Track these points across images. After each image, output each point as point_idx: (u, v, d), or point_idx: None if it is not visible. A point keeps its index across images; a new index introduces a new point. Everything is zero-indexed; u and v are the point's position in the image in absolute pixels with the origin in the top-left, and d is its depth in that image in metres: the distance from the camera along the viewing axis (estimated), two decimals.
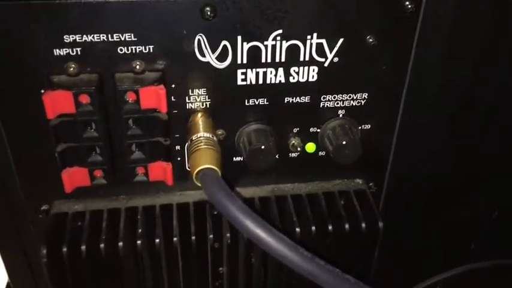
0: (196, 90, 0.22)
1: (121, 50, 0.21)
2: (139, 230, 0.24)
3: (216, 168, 0.20)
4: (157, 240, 0.24)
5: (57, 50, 0.21)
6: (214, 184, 0.20)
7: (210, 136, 0.22)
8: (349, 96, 0.24)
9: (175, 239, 0.24)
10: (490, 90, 0.25)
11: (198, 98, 0.23)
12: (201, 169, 0.21)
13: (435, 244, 0.31)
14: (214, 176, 0.20)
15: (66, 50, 0.21)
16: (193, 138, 0.22)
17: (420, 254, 0.31)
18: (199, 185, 0.21)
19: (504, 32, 0.23)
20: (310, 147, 0.25)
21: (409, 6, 0.21)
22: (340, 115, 0.24)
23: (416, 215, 0.29)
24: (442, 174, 0.28)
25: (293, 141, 0.24)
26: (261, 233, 0.19)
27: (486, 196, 0.30)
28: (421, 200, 0.28)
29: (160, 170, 0.23)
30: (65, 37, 0.20)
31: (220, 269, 0.27)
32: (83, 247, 0.23)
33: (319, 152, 0.25)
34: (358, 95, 0.24)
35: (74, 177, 0.23)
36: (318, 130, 0.25)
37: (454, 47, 0.23)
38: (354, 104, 0.24)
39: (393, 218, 0.27)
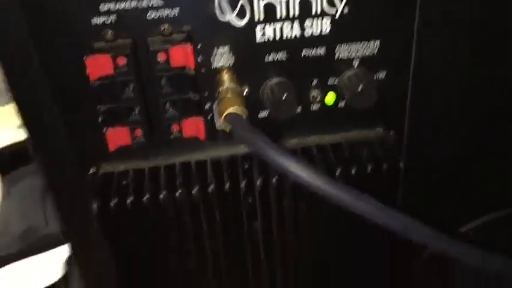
0: (221, 49, 0.25)
1: (150, 15, 0.24)
2: (178, 182, 0.26)
3: (242, 109, 0.23)
4: (194, 190, 0.26)
5: (95, 18, 0.23)
6: (240, 123, 0.22)
7: (236, 86, 0.24)
8: (362, 46, 0.26)
9: (211, 187, 0.26)
10: None
11: (222, 57, 0.25)
12: (229, 112, 0.23)
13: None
14: (240, 116, 0.22)
15: (102, 19, 0.23)
16: (220, 90, 0.24)
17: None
18: (228, 128, 0.23)
19: None
20: (330, 98, 0.27)
21: None
22: (355, 65, 0.26)
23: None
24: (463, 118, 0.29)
25: (313, 93, 0.26)
26: (288, 161, 0.21)
27: None
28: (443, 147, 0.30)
29: (193, 126, 0.26)
30: (100, 6, 0.23)
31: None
32: (129, 200, 0.26)
33: (339, 103, 0.27)
34: (371, 44, 0.26)
35: (116, 136, 0.26)
36: (336, 81, 0.26)
37: None
38: (367, 53, 0.26)
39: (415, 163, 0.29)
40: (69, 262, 0.53)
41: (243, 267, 0.30)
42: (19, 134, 0.74)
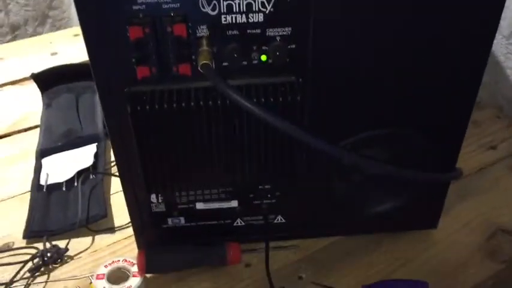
0: (201, 26, 0.42)
1: (163, 6, 0.41)
2: (175, 98, 0.45)
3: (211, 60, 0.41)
4: (184, 103, 0.45)
5: (134, 6, 0.41)
6: (209, 68, 0.41)
7: (209, 48, 0.42)
8: (281, 29, 0.43)
9: (193, 103, 0.45)
10: None
11: (202, 31, 0.42)
12: (203, 62, 0.41)
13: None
14: (209, 64, 0.41)
15: (138, 6, 0.41)
16: (200, 49, 0.42)
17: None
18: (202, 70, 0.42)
19: None
20: (263, 57, 0.45)
21: None
22: (278, 40, 0.44)
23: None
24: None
25: (253, 54, 0.43)
26: (232, 92, 0.40)
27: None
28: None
29: (185, 68, 0.43)
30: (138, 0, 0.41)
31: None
32: (147, 106, 0.45)
33: (268, 61, 0.45)
34: (286, 29, 0.43)
35: (142, 71, 0.43)
36: (267, 48, 0.44)
37: None
38: (284, 33, 0.44)
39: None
40: (96, 156, 0.72)
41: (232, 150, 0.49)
42: (55, 61, 0.92)
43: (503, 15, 0.75)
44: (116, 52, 0.43)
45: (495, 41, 0.82)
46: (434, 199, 0.59)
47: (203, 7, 0.41)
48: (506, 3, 0.73)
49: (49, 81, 0.83)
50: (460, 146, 0.54)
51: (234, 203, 0.55)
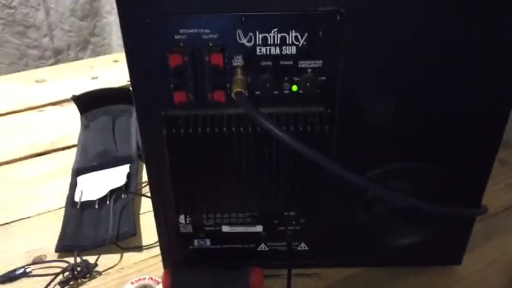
0: (237, 56, 0.45)
1: (203, 36, 0.44)
2: (209, 123, 0.47)
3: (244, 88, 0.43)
4: (217, 128, 0.47)
5: (176, 35, 0.44)
6: (242, 96, 0.43)
7: (243, 77, 0.44)
8: (312, 62, 0.45)
9: (225, 128, 0.47)
10: None
11: (238, 61, 0.44)
12: (237, 90, 0.43)
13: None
14: (243, 93, 0.43)
15: (179, 36, 0.44)
16: (235, 78, 0.44)
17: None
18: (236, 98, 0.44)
19: None
20: (294, 88, 0.47)
21: None
22: (309, 71, 0.46)
23: None
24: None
25: (285, 84, 0.46)
26: (265, 121, 0.42)
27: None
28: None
29: (220, 95, 0.46)
30: (179, 30, 0.44)
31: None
32: (182, 130, 0.47)
33: (299, 91, 0.47)
34: (317, 61, 0.45)
35: (178, 96, 0.46)
36: (298, 79, 0.46)
37: None
38: (315, 66, 0.46)
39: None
40: (128, 176, 0.75)
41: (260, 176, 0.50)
42: (94, 84, 0.96)
43: None
44: (156, 77, 0.45)
45: None
46: (459, 235, 0.59)
47: (240, 39, 0.44)
48: None
49: (88, 103, 0.87)
50: (486, 183, 0.54)
51: (259, 228, 0.57)
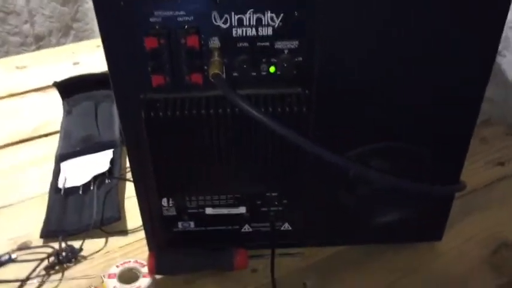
0: (213, 38, 0.45)
1: (178, 18, 0.44)
2: (187, 105, 0.47)
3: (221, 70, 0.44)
4: (194, 111, 0.47)
5: (151, 18, 0.44)
6: (220, 78, 0.43)
7: (219, 59, 0.44)
8: (289, 43, 0.46)
9: (203, 110, 0.47)
10: None
11: (214, 43, 0.44)
12: (214, 72, 0.44)
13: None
14: (220, 75, 0.43)
15: (154, 18, 0.44)
16: (211, 60, 0.44)
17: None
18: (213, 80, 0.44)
19: None
20: (272, 69, 0.47)
21: None
22: (285, 52, 0.46)
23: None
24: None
25: (263, 65, 0.46)
26: (240, 101, 0.42)
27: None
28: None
29: (197, 77, 0.46)
30: (154, 12, 0.43)
31: None
32: (160, 113, 0.47)
33: (277, 72, 0.47)
34: (294, 42, 0.45)
35: (156, 79, 0.46)
36: (275, 60, 0.46)
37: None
38: (291, 47, 0.46)
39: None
40: (112, 161, 0.75)
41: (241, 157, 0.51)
42: (76, 70, 0.95)
43: None
44: (133, 61, 0.45)
45: (505, 60, 0.84)
46: (439, 211, 0.60)
47: (215, 20, 0.44)
48: None
49: (70, 89, 0.86)
50: (463, 160, 0.55)
51: (242, 209, 0.57)
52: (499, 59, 0.83)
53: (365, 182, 0.55)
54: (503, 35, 0.80)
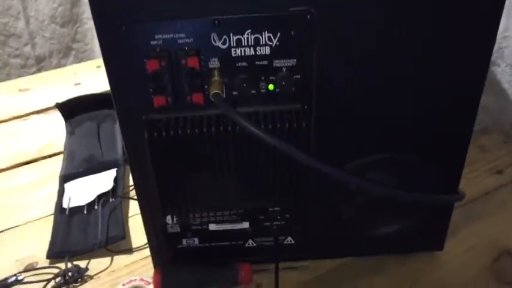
0: (213, 59, 0.46)
1: (178, 41, 0.45)
2: (189, 124, 0.48)
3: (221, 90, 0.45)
4: (197, 129, 0.48)
5: (152, 41, 0.45)
6: (220, 98, 0.44)
7: (219, 78, 0.46)
8: (287, 61, 0.47)
9: (205, 128, 0.48)
10: None
11: (214, 63, 0.46)
12: (214, 92, 0.45)
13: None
14: (220, 94, 0.44)
15: (155, 42, 0.45)
16: (212, 80, 0.45)
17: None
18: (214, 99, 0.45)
19: None
20: (271, 87, 0.48)
21: None
22: (284, 70, 0.47)
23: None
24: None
25: (261, 84, 0.47)
26: (241, 120, 0.43)
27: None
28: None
29: (198, 97, 0.47)
30: (155, 36, 0.45)
31: None
32: (163, 133, 0.48)
33: (275, 90, 0.48)
34: (292, 60, 0.47)
35: (158, 100, 0.47)
36: (274, 78, 0.48)
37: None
38: (289, 65, 0.47)
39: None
40: (115, 180, 0.76)
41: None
42: (78, 91, 0.97)
43: (506, 44, 0.78)
44: (135, 83, 0.46)
45: (500, 69, 0.85)
46: (439, 221, 0.61)
47: (214, 41, 0.45)
48: (507, 34, 0.75)
49: (72, 110, 0.88)
50: (462, 169, 0.55)
51: (246, 225, 0.58)
52: (494, 68, 0.84)
53: (365, 194, 0.56)
54: (497, 45, 0.82)
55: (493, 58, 0.81)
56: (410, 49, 0.47)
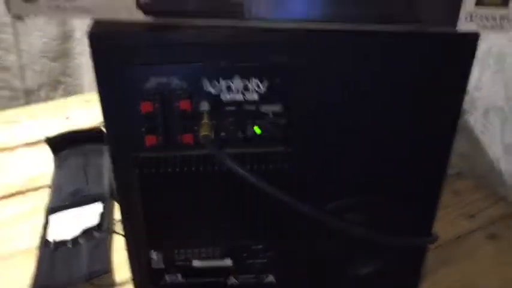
0: (203, 102, 0.49)
1: (172, 85, 0.48)
2: (178, 162, 0.50)
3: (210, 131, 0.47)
4: (185, 168, 0.50)
5: (146, 84, 0.48)
6: (208, 139, 0.47)
7: (209, 121, 0.48)
8: (272, 107, 0.50)
9: (193, 167, 0.50)
10: None
11: (204, 106, 0.49)
12: (204, 133, 0.47)
13: None
14: (209, 135, 0.47)
15: (149, 85, 0.48)
16: (202, 122, 0.48)
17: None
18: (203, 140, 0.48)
19: None
20: (257, 130, 0.51)
21: None
22: (270, 115, 0.50)
23: None
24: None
25: (248, 126, 0.50)
26: (230, 162, 0.46)
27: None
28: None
29: (188, 138, 0.50)
30: (149, 79, 0.48)
31: None
32: (153, 170, 0.50)
33: (262, 133, 0.51)
34: (277, 106, 0.50)
35: (149, 140, 0.49)
36: (260, 122, 0.50)
37: None
38: (275, 110, 0.50)
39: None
40: (101, 214, 0.77)
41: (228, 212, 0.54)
42: (66, 124, 0.98)
43: (479, 95, 0.83)
44: (129, 122, 0.49)
45: (473, 118, 0.90)
46: (414, 263, 0.63)
47: (206, 86, 0.48)
48: (480, 85, 0.80)
49: (61, 144, 0.89)
50: (435, 212, 0.58)
51: (228, 262, 0.60)
52: (466, 116, 0.89)
53: (344, 234, 0.58)
54: (470, 96, 0.87)
55: (467, 107, 0.86)
56: (384, 100, 0.50)
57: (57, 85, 1.48)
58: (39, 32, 1.36)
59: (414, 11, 0.41)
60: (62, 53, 1.43)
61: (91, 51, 0.45)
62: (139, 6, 0.43)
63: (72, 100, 1.20)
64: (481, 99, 0.85)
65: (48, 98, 1.45)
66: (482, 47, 0.80)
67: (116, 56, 0.46)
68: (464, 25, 0.41)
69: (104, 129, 0.50)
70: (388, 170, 0.54)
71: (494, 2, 0.39)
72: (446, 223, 0.76)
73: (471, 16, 0.40)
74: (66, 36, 1.41)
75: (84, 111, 1.07)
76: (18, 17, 1.29)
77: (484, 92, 0.84)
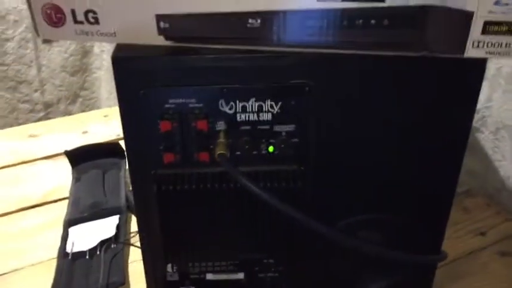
0: (220, 122, 0.51)
1: (189, 105, 0.50)
2: (194, 179, 0.52)
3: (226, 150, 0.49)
4: (201, 185, 0.52)
5: (166, 105, 0.50)
6: (224, 158, 0.49)
7: (225, 140, 0.50)
8: (286, 126, 0.52)
9: (209, 184, 0.52)
10: None
11: (220, 126, 0.51)
12: (219, 152, 0.49)
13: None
14: (225, 154, 0.49)
15: (168, 105, 0.50)
16: (218, 141, 0.50)
17: None
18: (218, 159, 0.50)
19: None
20: (270, 149, 0.53)
21: None
22: (283, 135, 0.52)
23: None
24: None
25: (262, 145, 0.52)
26: (243, 180, 0.48)
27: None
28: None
29: (204, 155, 0.52)
30: (169, 100, 0.50)
31: None
32: (171, 187, 0.52)
33: (275, 151, 0.53)
34: (290, 126, 0.52)
35: (167, 157, 0.51)
36: (273, 141, 0.52)
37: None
38: (288, 130, 0.52)
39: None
40: (118, 227, 0.79)
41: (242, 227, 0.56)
42: (84, 138, 1.01)
43: (488, 113, 0.84)
44: (148, 141, 0.51)
45: (483, 136, 0.91)
46: (424, 280, 0.64)
47: (222, 107, 0.50)
48: (490, 104, 0.81)
49: (79, 158, 0.92)
50: (445, 229, 0.59)
51: (241, 275, 0.61)
52: (478, 135, 0.90)
53: (355, 251, 0.60)
54: (481, 114, 0.88)
55: (477, 125, 0.87)
56: (395, 121, 0.51)
57: (76, 98, 1.52)
58: (59, 47, 1.40)
59: (423, 40, 0.43)
60: (81, 68, 1.47)
61: (114, 73, 0.48)
62: (160, 31, 0.45)
63: (91, 115, 1.23)
64: (491, 117, 0.86)
65: (66, 111, 1.49)
66: (492, 67, 0.82)
67: (137, 78, 0.48)
68: (471, 51, 0.42)
69: (120, 144, 0.53)
70: (399, 188, 0.56)
71: (500, 30, 0.40)
72: (457, 240, 0.77)
73: (478, 43, 0.41)
74: (85, 51, 1.45)
75: (102, 125, 1.10)
76: (47, 41, 1.34)
77: (494, 110, 0.85)
